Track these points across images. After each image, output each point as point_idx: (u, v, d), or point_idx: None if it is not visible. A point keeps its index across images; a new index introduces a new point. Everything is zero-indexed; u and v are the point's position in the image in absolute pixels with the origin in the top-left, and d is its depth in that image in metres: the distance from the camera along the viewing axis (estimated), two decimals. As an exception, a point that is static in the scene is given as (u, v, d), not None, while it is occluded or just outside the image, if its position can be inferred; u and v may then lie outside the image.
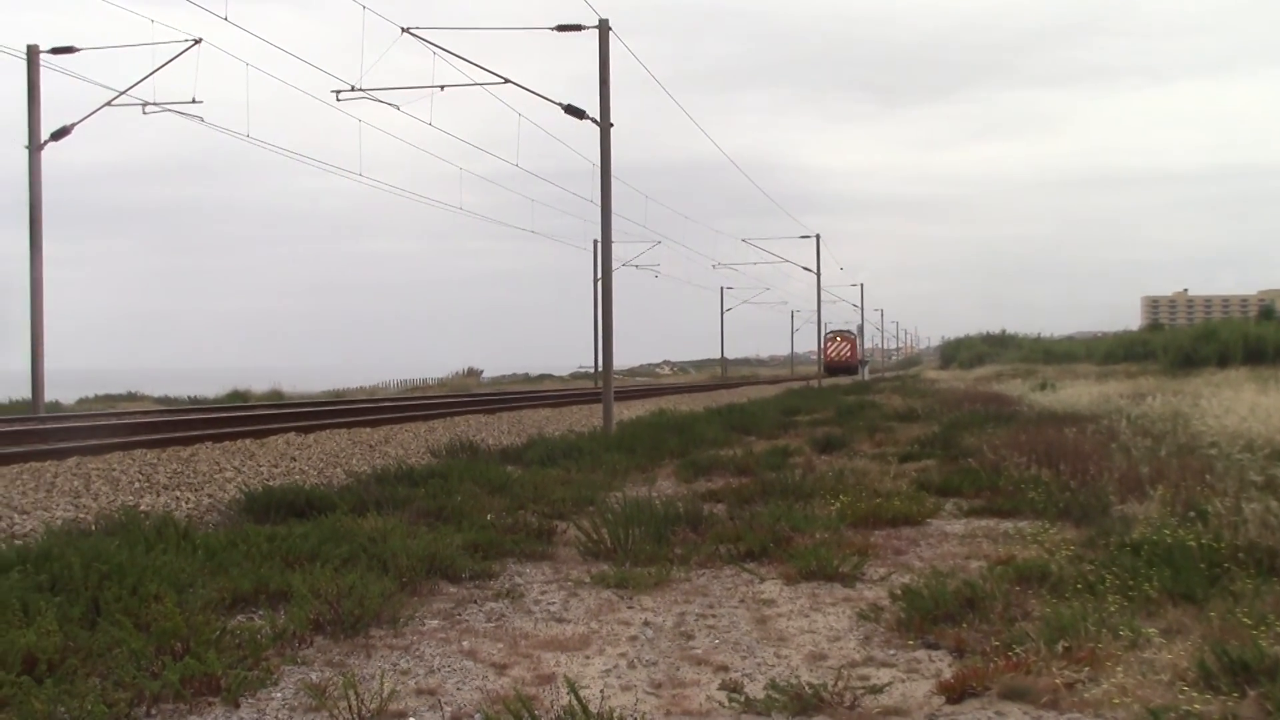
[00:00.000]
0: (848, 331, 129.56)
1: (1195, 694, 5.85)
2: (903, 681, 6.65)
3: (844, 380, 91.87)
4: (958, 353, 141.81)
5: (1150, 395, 28.63)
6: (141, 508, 12.20)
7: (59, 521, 11.60)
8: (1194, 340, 65.54)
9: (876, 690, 6.32)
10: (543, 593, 9.21)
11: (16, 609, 7.03)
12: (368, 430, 24.67)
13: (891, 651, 7.35)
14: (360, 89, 28.66)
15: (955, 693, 6.29)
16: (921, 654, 7.25)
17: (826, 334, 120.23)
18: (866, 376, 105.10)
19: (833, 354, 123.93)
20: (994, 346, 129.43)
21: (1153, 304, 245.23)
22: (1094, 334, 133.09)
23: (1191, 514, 10.41)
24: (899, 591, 8.50)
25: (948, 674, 6.67)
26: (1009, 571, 9.04)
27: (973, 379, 67.19)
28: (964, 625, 7.58)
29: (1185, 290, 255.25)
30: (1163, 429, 18.46)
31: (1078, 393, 36.16)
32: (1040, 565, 9.04)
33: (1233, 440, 15.32)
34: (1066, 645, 6.76)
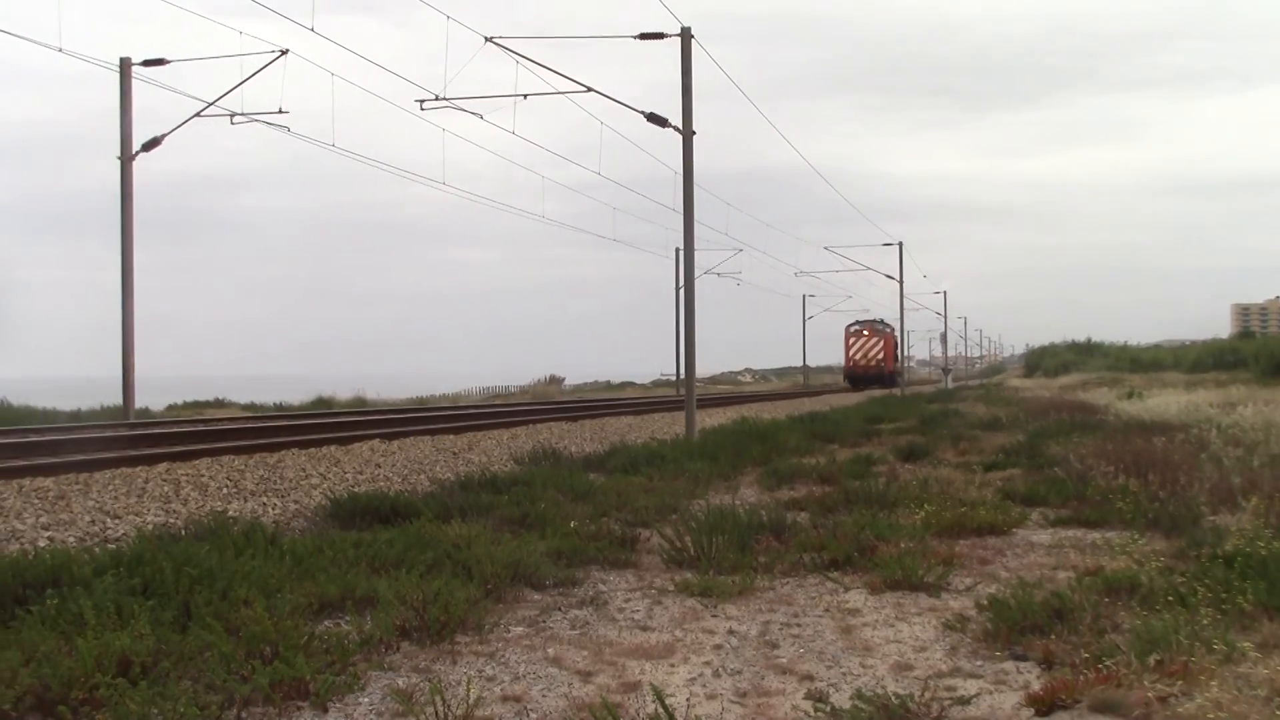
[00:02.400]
0: (879, 324, 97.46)
1: (1292, 709, 5.73)
2: (990, 693, 6.57)
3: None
4: (1042, 361, 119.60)
5: (1241, 404, 28.18)
6: (230, 513, 12.33)
7: (150, 526, 11.75)
8: (1286, 348, 64.20)
9: (964, 701, 6.25)
10: (626, 600, 9.21)
11: (111, 612, 7.13)
12: (451, 437, 24.82)
13: (978, 662, 7.27)
14: (444, 98, 28.86)
15: (1044, 705, 6.21)
16: (1009, 665, 7.16)
17: (849, 327, 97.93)
18: (903, 390, 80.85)
19: (857, 355, 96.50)
20: (1079, 354, 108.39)
21: (1243, 311, 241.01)
22: (1182, 342, 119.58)
23: (1286, 525, 10.22)
24: (985, 602, 8.40)
25: (1036, 686, 6.58)
26: (1098, 583, 8.91)
27: (1058, 387, 66.37)
28: (1052, 636, 7.48)
29: (1277, 297, 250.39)
30: (1254, 439, 18.15)
31: (1166, 401, 35.65)
32: (1130, 576, 8.90)
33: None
34: (1158, 658, 6.64)
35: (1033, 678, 6.83)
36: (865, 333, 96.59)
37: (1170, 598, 8.08)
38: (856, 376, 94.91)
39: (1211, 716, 5.77)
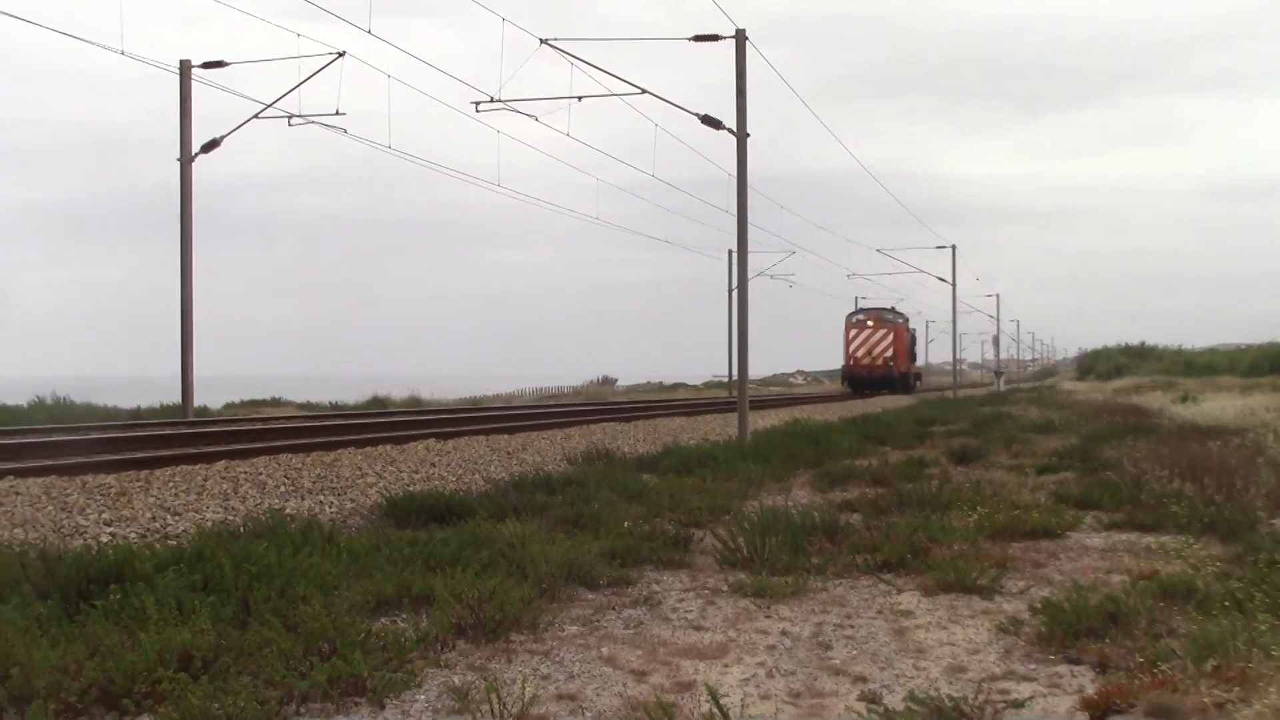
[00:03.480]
0: (888, 313, 79.62)
1: (1350, 716, 5.66)
2: (1044, 696, 6.53)
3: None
4: (1095, 364, 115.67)
5: (1297, 409, 27.83)
6: (287, 511, 12.42)
7: (209, 523, 11.86)
8: (1345, 353, 63.36)
9: (1018, 704, 6.21)
10: (680, 600, 9.21)
11: (173, 607, 7.20)
12: (505, 437, 24.87)
13: (1032, 665, 7.22)
14: (499, 100, 28.96)
15: (1099, 709, 6.15)
16: (1063, 669, 7.11)
17: (851, 316, 79.50)
18: (914, 390, 78.75)
19: (859, 352, 77.10)
20: (1133, 358, 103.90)
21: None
22: (1238, 346, 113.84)
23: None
24: (1039, 605, 8.34)
25: (1091, 690, 6.53)
26: (1153, 587, 8.82)
27: (1111, 390, 65.79)
28: (1107, 640, 7.41)
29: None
30: (1312, 443, 17.92)
31: (1221, 405, 35.30)
32: (1185, 581, 8.80)
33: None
34: (1215, 664, 6.56)
35: (1087, 681, 6.78)
36: (870, 324, 76.64)
37: (1227, 603, 7.98)
38: (858, 378, 76.31)
39: (1269, 722, 5.71)
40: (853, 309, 79.83)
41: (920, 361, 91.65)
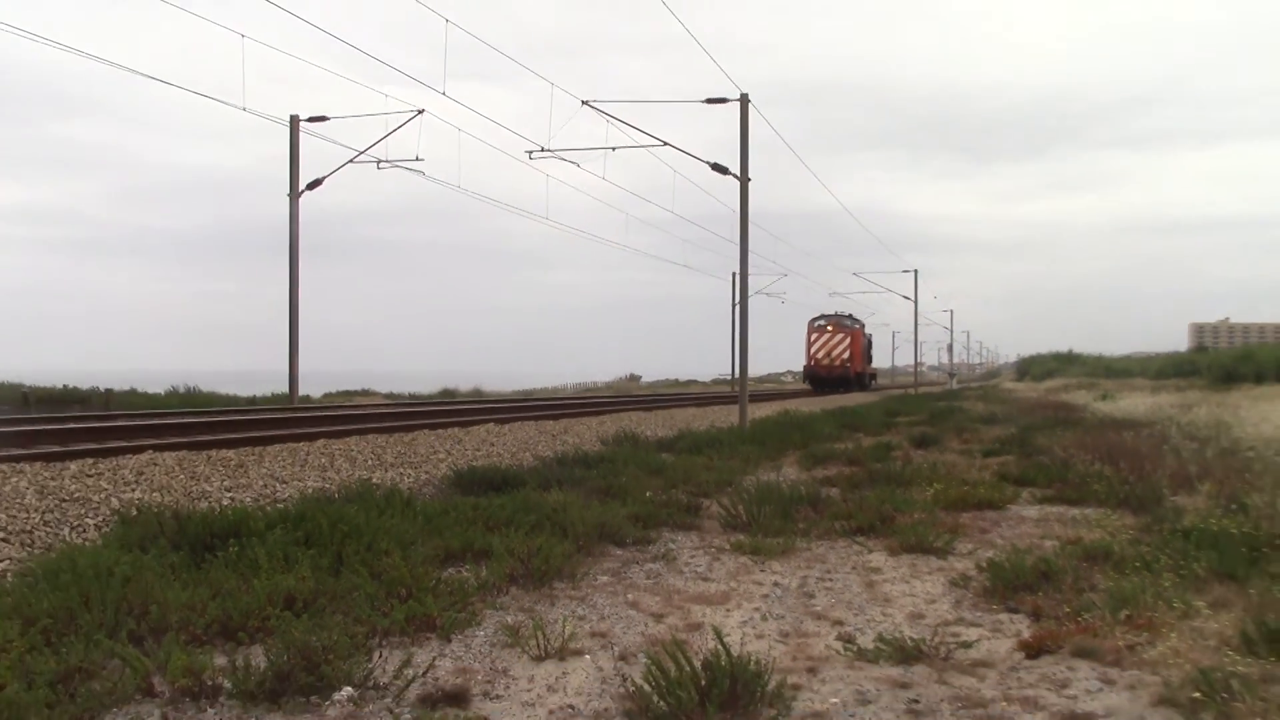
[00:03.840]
0: (846, 319, 73.03)
1: (1238, 657, 5.59)
2: (988, 639, 6.48)
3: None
4: (1031, 367, 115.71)
5: (1196, 406, 27.65)
6: (373, 480, 12.43)
7: (310, 490, 11.87)
8: (1235, 360, 62.63)
9: (967, 645, 6.17)
10: (691, 556, 9.18)
11: (280, 558, 7.22)
12: (551, 422, 24.87)
13: (979, 614, 7.18)
14: (548, 150, 29.02)
15: (1033, 650, 6.12)
16: (1004, 617, 7.06)
17: (813, 322, 72.55)
18: (870, 388, 74.03)
19: (819, 354, 71.36)
20: (1062, 363, 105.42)
21: (1199, 329, 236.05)
22: (1148, 354, 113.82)
23: (1234, 506, 10.03)
24: (984, 564, 8.29)
25: (1027, 634, 6.49)
26: (1077, 550, 8.77)
27: (1044, 389, 65.48)
28: (1040, 594, 7.36)
29: (1227, 318, 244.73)
30: (1208, 434, 17.79)
31: (1134, 403, 35.07)
32: (1104, 546, 8.74)
33: (1268, 444, 14.72)
34: (1128, 613, 6.52)
35: (1024, 627, 6.73)
36: (829, 328, 70.88)
37: (1138, 564, 7.92)
38: (819, 378, 70.45)
39: (1171, 661, 5.67)
40: (816, 315, 72.10)
41: (878, 364, 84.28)
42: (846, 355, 70.05)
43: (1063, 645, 6.12)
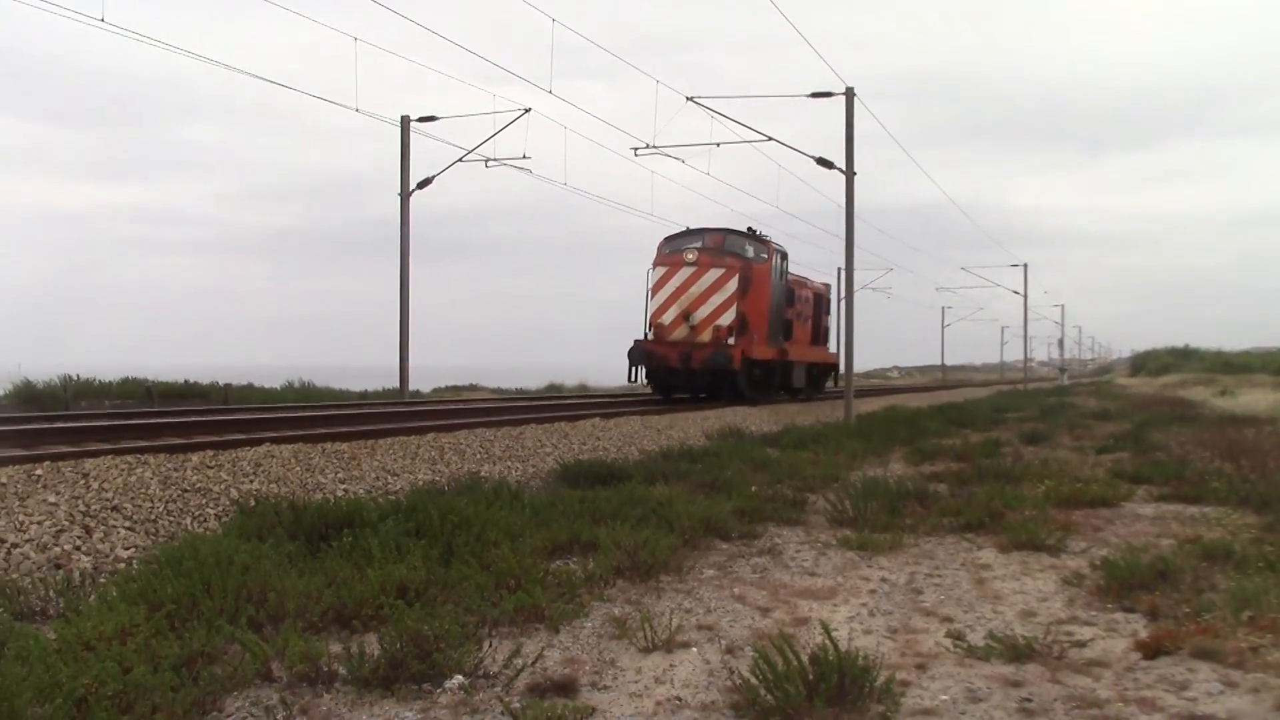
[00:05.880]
0: (737, 239, 30.35)
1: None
2: (1103, 638, 6.32)
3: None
4: (1146, 363, 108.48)
5: (1321, 402, 26.68)
6: (482, 474, 12.56)
7: (420, 482, 12.04)
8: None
9: (1081, 644, 6.03)
10: (797, 551, 9.12)
11: (392, 548, 7.33)
12: (655, 417, 24.87)
13: (1092, 613, 7.01)
14: (653, 146, 28.91)
15: (1150, 650, 5.95)
16: (1119, 616, 6.88)
17: (667, 244, 30.59)
18: (821, 391, 39.11)
19: (668, 316, 29.05)
20: (1178, 358, 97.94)
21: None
22: (1270, 349, 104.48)
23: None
24: (1098, 562, 8.09)
25: (1143, 634, 6.32)
26: (1196, 549, 8.51)
27: (1159, 385, 63.75)
28: (1157, 593, 7.16)
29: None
30: (1334, 431, 17.16)
31: (1255, 399, 34.01)
32: (1224, 545, 8.47)
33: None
34: (1250, 614, 6.32)
35: (1140, 627, 6.55)
36: (697, 259, 29.40)
37: (1261, 564, 7.67)
38: (664, 369, 29.34)
39: (1298, 665, 5.48)
40: (677, 232, 31.81)
41: (834, 344, 39.56)
42: (729, 319, 29.08)
43: (1181, 646, 5.95)
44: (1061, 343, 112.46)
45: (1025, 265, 74.79)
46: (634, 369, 29.44)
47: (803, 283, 35.42)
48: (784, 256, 31.92)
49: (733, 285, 28.57)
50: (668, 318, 29.00)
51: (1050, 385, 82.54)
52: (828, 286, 39.83)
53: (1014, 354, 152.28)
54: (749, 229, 30.94)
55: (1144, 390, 56.41)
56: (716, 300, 28.70)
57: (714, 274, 28.72)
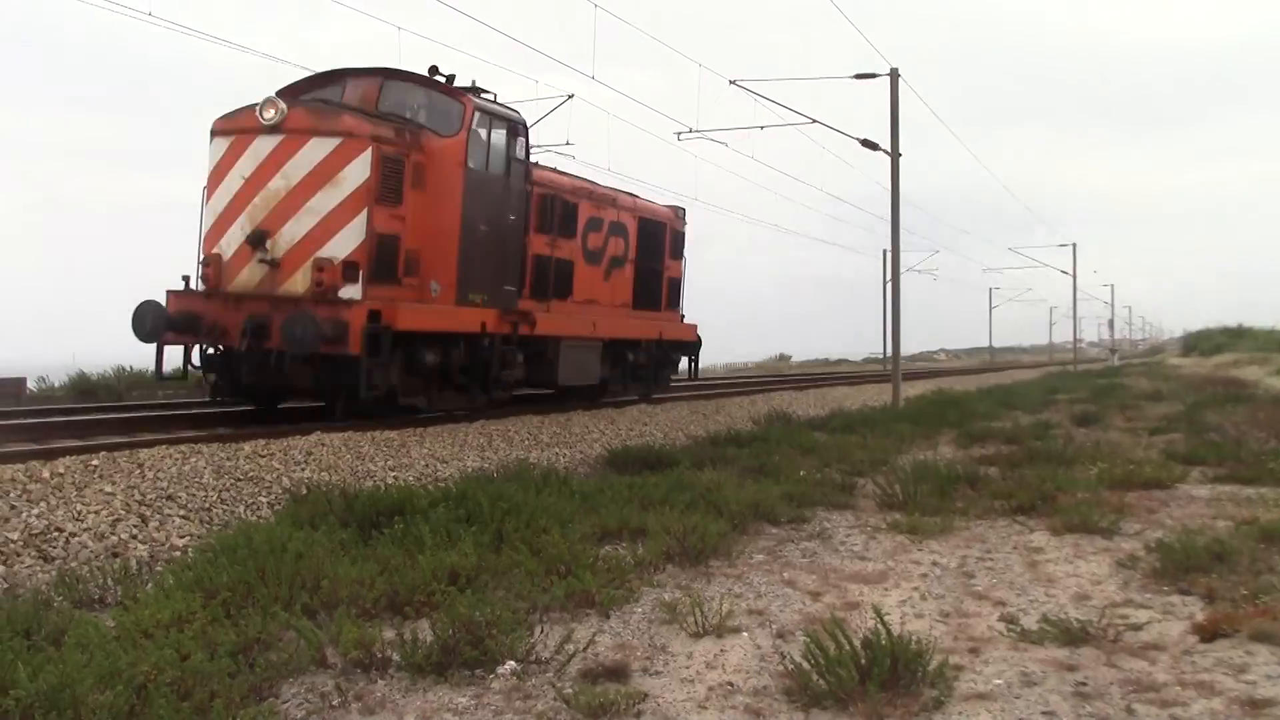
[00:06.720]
0: (393, 84, 15.55)
1: None
2: (1159, 621, 6.24)
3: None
4: (1198, 343, 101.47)
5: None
6: (530, 460, 12.61)
7: (469, 469, 12.10)
8: None
9: (1136, 628, 5.96)
10: (847, 536, 9.08)
11: (443, 535, 7.37)
12: (702, 402, 24.84)
13: (1148, 595, 6.92)
14: (696, 130, 28.74)
15: (1208, 633, 5.87)
16: (1175, 599, 6.79)
17: (229, 119, 14.01)
18: (656, 389, 23.53)
19: (225, 246, 13.84)
20: (1231, 338, 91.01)
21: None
22: None
23: None
24: (1153, 544, 7.99)
25: (1200, 617, 6.22)
26: (1254, 531, 8.38)
27: (1212, 365, 62.75)
28: (1213, 575, 7.06)
29: None
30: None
31: (1310, 378, 33.44)
32: (1282, 526, 8.35)
33: None
34: (1311, 597, 6.23)
35: (1196, 610, 6.46)
36: (292, 122, 13.55)
37: (1320, 545, 7.56)
38: (226, 354, 14.35)
39: (1361, 648, 5.38)
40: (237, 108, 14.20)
41: (685, 307, 24.45)
42: (347, 245, 13.68)
43: (1239, 629, 5.86)
44: (1112, 323, 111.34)
45: (1074, 245, 74.04)
46: (174, 353, 14.75)
47: (610, 199, 20.54)
48: (515, 131, 16.50)
49: (359, 174, 13.84)
50: (226, 245, 14.09)
51: (1100, 366, 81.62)
52: (677, 213, 23.90)
53: (1063, 335, 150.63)
54: (434, 70, 16.00)
55: (1197, 370, 55.67)
56: (323, 205, 13.76)
57: (317, 151, 13.76)
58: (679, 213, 24.31)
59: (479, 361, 15.99)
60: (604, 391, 21.38)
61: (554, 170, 19.13)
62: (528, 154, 16.98)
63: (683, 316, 24.11)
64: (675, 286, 23.68)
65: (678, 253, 23.82)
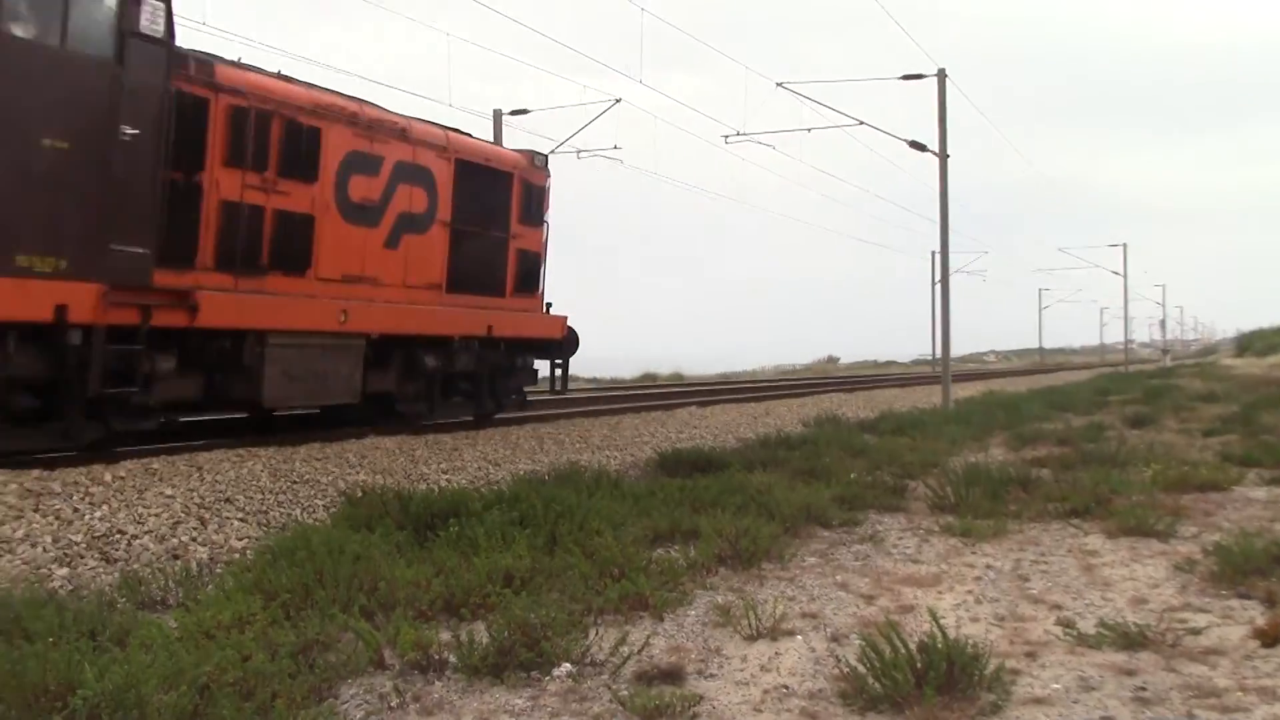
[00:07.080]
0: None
1: None
2: (1218, 626, 6.15)
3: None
4: (1252, 343, 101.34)
5: None
6: (581, 463, 12.64)
7: (521, 472, 12.16)
8: None
9: (1195, 632, 5.88)
10: (899, 538, 9.02)
11: (497, 537, 7.42)
12: (751, 405, 24.85)
13: (1206, 599, 6.82)
14: (743, 133, 28.78)
15: (1269, 638, 5.77)
16: (1234, 603, 6.69)
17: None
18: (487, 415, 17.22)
19: None
20: None
21: None
22: None
23: None
24: (1211, 547, 7.87)
25: (1261, 621, 6.12)
26: (1314, 534, 8.26)
27: (1267, 366, 61.72)
28: (1273, 579, 6.94)
29: None
30: None
31: (1369, 378, 32.80)
32: (1344, 529, 8.21)
33: None
34: (1374, 601, 6.12)
35: (1257, 614, 6.36)
36: None
37: (1383, 549, 7.41)
38: None
39: None
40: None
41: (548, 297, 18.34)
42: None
43: (1302, 633, 5.77)
44: (1163, 323, 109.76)
45: (1125, 245, 73.20)
46: None
47: (397, 129, 14.29)
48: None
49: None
50: None
51: (1152, 367, 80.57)
52: (533, 160, 17.48)
53: (1113, 336, 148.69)
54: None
55: (1251, 371, 54.78)
56: None
57: None
58: (536, 160, 17.41)
59: (64, 373, 9.79)
60: (390, 413, 14.79)
61: (276, 75, 12.76)
62: (171, 30, 10.38)
63: (547, 306, 17.73)
64: (530, 263, 17.13)
65: (534, 216, 17.20)
